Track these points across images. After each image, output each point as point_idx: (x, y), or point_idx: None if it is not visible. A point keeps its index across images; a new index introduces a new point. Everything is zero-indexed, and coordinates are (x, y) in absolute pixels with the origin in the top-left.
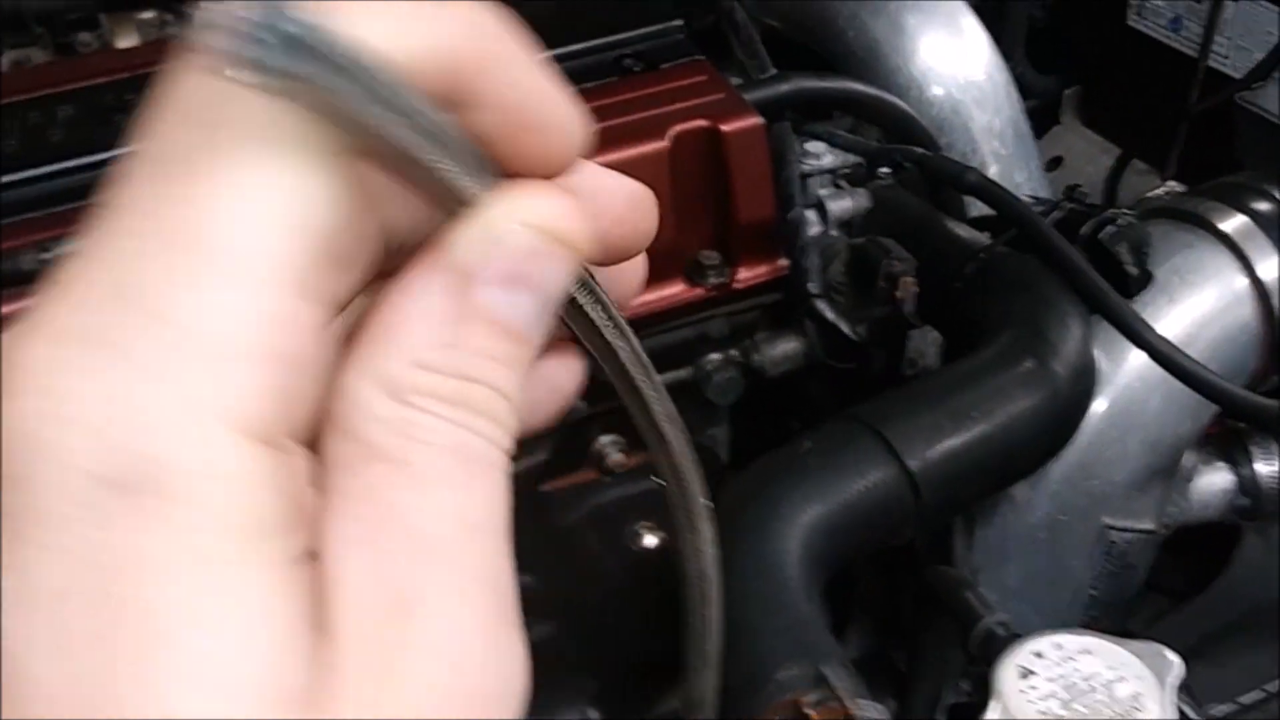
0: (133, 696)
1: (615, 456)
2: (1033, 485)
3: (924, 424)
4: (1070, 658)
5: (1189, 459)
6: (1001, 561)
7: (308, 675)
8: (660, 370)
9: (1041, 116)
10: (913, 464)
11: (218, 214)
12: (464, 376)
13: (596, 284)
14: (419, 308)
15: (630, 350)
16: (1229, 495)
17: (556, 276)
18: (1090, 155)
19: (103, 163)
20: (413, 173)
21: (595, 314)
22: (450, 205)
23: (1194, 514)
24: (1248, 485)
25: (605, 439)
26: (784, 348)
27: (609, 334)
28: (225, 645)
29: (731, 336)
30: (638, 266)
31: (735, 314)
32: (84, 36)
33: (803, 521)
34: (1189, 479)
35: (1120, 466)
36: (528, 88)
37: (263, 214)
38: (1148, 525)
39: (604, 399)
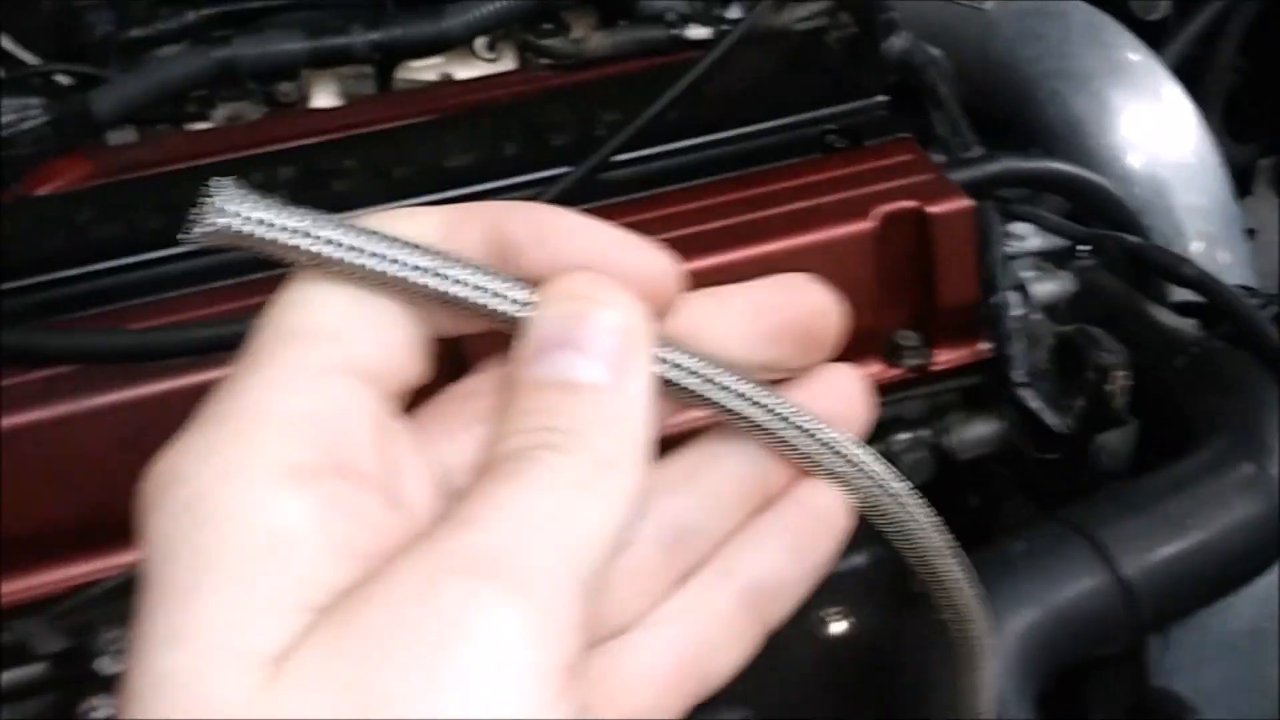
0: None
1: None
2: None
3: (1139, 530)
4: None
5: None
6: (1199, 666)
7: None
8: None
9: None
10: (1128, 572)
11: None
12: (529, 430)
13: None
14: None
15: (899, 499)
16: None
17: (597, 328)
18: None
19: None
20: (457, 309)
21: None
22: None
23: None
24: None
25: None
26: (978, 432)
27: (868, 487)
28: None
29: (925, 418)
30: (853, 396)
31: (931, 395)
32: (285, 87)
33: (1015, 630)
34: None
35: None
36: (581, 247)
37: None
38: None
39: None
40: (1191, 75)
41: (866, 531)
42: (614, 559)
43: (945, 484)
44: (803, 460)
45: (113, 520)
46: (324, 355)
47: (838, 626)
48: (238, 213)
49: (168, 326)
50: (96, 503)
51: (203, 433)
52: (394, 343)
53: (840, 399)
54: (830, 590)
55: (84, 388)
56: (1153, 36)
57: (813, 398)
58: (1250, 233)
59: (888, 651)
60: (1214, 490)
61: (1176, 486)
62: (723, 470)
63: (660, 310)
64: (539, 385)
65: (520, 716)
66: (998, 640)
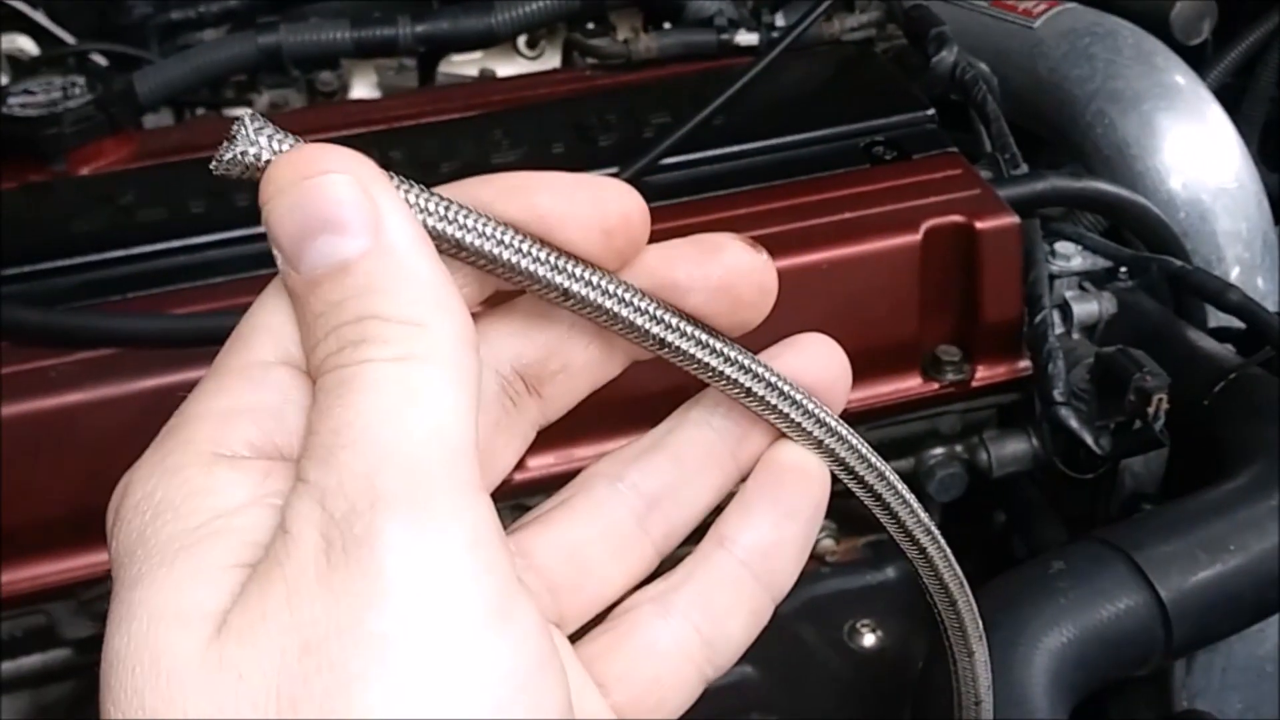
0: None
1: (825, 543)
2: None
3: (1178, 552)
4: None
5: None
6: (1223, 690)
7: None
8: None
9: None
10: (1166, 593)
11: None
12: (328, 333)
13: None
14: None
15: (893, 486)
16: None
17: (335, 199)
18: None
19: None
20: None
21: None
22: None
23: None
24: None
25: None
26: (1013, 449)
27: (886, 493)
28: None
29: (960, 433)
30: (834, 363)
31: (968, 411)
32: (325, 76)
33: (1051, 646)
34: None
35: None
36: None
37: None
38: None
39: None
40: (1229, 102)
41: (896, 547)
42: (477, 416)
43: (973, 497)
44: (729, 388)
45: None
46: (263, 351)
47: (870, 640)
48: (264, 144)
49: (209, 312)
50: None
51: (156, 442)
52: None
53: (821, 366)
54: (862, 603)
55: (125, 371)
56: (1192, 62)
57: (793, 363)
58: None
59: (918, 666)
60: (1251, 516)
61: (1214, 510)
62: (686, 438)
63: (632, 245)
64: (313, 283)
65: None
66: (1034, 655)
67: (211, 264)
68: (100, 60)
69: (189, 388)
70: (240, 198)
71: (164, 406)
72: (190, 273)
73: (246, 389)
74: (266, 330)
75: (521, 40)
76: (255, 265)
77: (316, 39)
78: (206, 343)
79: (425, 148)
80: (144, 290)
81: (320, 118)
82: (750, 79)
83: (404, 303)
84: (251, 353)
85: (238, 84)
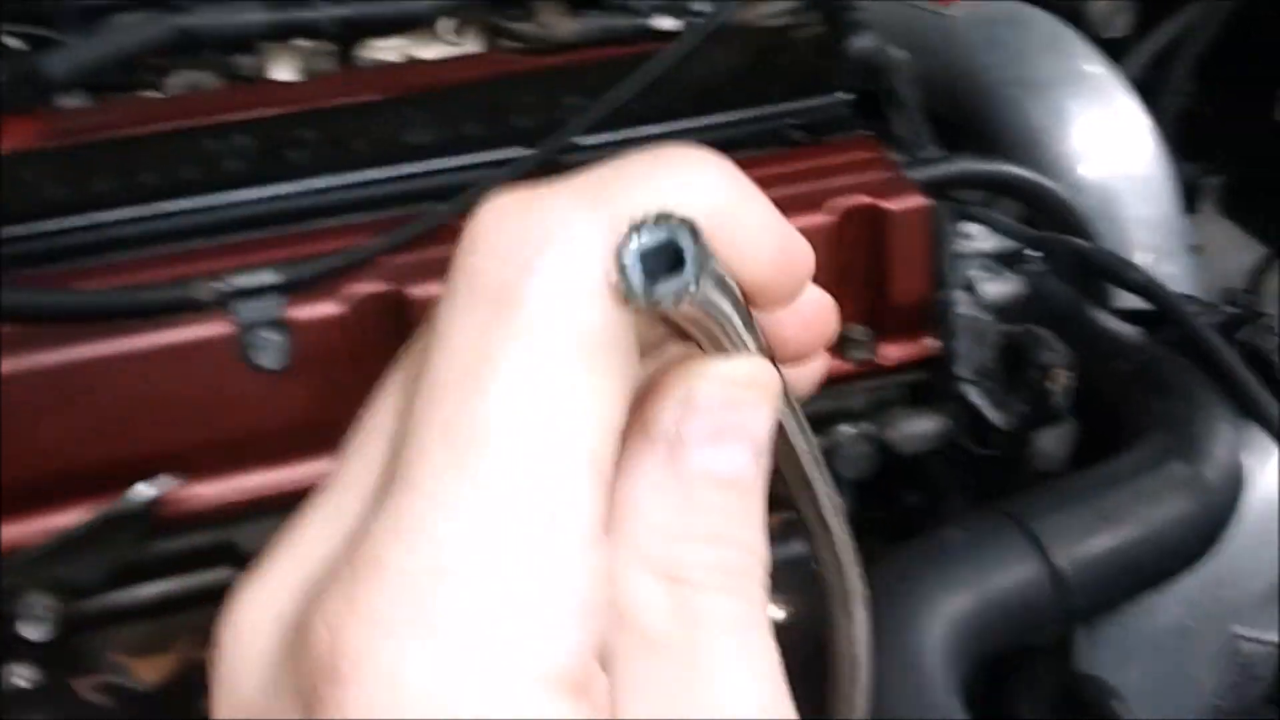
0: None
1: None
2: (1163, 588)
3: (1074, 523)
4: None
5: None
6: (1123, 662)
7: None
8: None
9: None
10: (1061, 562)
11: (516, 455)
12: (711, 538)
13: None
14: (646, 484)
15: (806, 441)
16: None
17: (760, 418)
18: (1229, 248)
19: (278, 196)
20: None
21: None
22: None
23: None
24: None
25: None
26: (921, 427)
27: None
28: None
29: (869, 411)
30: (820, 365)
31: (876, 390)
32: (243, 60)
33: (947, 613)
34: None
35: (1257, 576)
36: (772, 232)
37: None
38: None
39: None
40: (1145, 94)
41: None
42: None
43: (886, 479)
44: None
45: (44, 483)
46: (590, 442)
47: (776, 614)
48: (706, 275)
49: (114, 288)
50: (31, 465)
51: (433, 638)
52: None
53: (815, 313)
54: (773, 578)
55: (25, 346)
56: (1110, 54)
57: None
58: (1195, 249)
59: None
60: (1147, 487)
61: (1111, 482)
62: None
63: None
64: (707, 475)
65: None
66: (930, 623)
67: (116, 241)
68: (15, 43)
69: (87, 364)
70: (148, 177)
71: (56, 383)
72: (95, 249)
73: (589, 479)
74: (607, 427)
75: (445, 27)
76: (156, 241)
77: (231, 20)
78: (105, 317)
79: (336, 127)
80: (48, 266)
81: (236, 99)
82: (669, 63)
83: (752, 538)
84: (582, 441)
85: (154, 66)
